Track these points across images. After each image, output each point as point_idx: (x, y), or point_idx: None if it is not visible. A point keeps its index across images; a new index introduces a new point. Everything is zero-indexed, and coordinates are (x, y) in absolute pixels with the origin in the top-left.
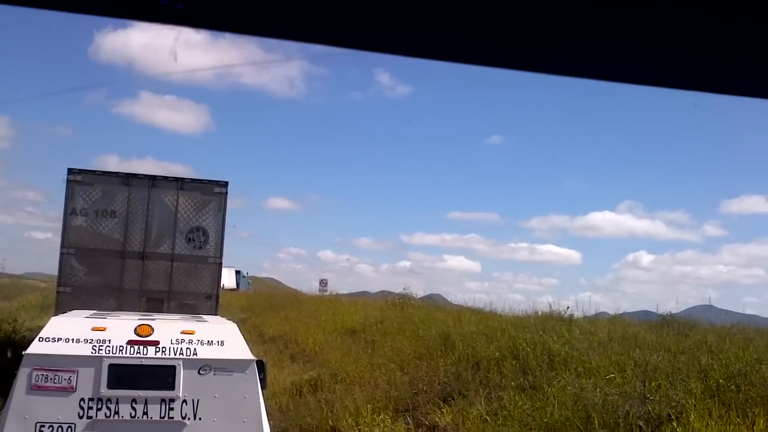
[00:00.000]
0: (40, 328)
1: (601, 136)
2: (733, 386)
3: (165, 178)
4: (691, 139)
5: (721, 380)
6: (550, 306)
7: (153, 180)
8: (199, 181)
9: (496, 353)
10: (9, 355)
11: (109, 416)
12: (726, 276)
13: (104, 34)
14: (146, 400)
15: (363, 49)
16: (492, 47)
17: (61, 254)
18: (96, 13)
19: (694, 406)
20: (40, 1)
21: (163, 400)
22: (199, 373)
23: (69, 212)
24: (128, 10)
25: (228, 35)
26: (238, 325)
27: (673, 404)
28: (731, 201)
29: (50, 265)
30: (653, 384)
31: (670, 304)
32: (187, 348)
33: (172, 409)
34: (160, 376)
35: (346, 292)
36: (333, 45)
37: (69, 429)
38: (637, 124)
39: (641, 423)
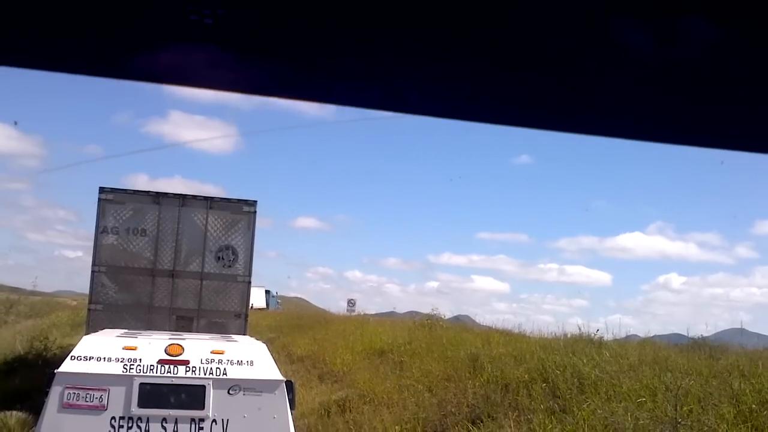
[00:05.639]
0: (72, 346)
1: (630, 154)
2: (766, 412)
3: (195, 197)
4: (722, 158)
5: (753, 405)
6: (580, 328)
7: (183, 199)
8: (228, 200)
9: (525, 376)
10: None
11: None
12: (759, 299)
13: None
14: (176, 419)
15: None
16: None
17: (93, 272)
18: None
19: (727, 431)
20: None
21: (192, 420)
22: (228, 393)
23: (100, 230)
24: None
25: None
26: (267, 345)
27: (705, 429)
28: (765, 222)
29: (81, 283)
30: (685, 409)
31: (701, 327)
32: (216, 368)
33: (202, 428)
34: (190, 395)
35: (373, 312)
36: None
37: None
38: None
39: None
